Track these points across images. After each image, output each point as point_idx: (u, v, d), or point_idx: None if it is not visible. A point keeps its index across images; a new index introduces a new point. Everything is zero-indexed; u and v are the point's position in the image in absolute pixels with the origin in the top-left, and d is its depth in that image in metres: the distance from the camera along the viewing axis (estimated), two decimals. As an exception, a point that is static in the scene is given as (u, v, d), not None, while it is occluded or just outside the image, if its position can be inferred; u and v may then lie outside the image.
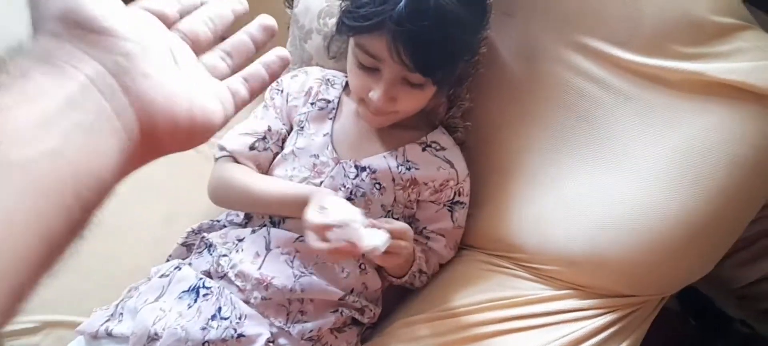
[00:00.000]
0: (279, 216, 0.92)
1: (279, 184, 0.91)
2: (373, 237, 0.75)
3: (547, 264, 0.90)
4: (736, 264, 1.12)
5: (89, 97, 0.32)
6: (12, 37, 0.32)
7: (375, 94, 0.83)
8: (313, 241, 0.76)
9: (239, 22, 0.47)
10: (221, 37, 0.45)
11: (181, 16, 0.43)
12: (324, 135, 0.93)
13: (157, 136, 0.36)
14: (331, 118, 0.95)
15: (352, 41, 0.86)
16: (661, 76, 0.81)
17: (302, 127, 0.95)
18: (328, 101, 0.96)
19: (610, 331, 0.87)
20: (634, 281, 0.86)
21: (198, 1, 0.44)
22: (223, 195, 0.95)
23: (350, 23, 0.82)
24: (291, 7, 1.09)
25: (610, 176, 0.86)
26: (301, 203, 0.84)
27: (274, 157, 0.96)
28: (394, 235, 0.79)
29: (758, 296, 1.12)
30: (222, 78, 0.43)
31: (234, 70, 0.44)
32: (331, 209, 0.76)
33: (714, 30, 0.79)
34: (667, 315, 1.01)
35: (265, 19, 0.46)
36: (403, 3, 0.76)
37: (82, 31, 0.33)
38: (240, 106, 0.43)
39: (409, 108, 0.88)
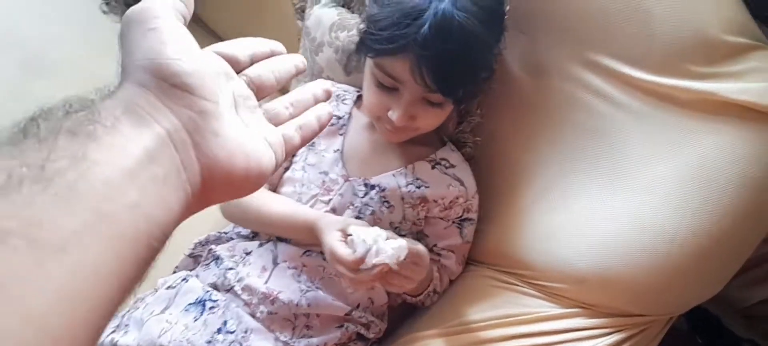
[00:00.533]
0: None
1: (286, 208, 0.90)
2: (394, 248, 0.75)
3: (555, 282, 0.89)
4: (745, 284, 1.11)
5: (165, 150, 0.34)
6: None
7: (394, 114, 0.83)
8: (348, 275, 0.76)
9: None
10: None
11: (251, 62, 0.46)
12: (334, 151, 0.93)
13: (213, 190, 0.38)
14: (341, 134, 0.95)
15: (370, 60, 0.85)
16: (672, 95, 0.81)
17: (313, 144, 0.95)
18: (339, 117, 0.96)
19: (617, 351, 0.87)
20: (643, 301, 0.86)
21: (268, 51, 0.48)
22: (233, 213, 0.95)
23: (373, 46, 0.81)
24: (302, 19, 1.09)
25: (619, 195, 0.85)
26: (308, 229, 0.85)
27: (284, 172, 0.96)
28: (410, 257, 0.78)
29: (765, 316, 1.11)
30: (280, 124, 0.47)
31: (291, 118, 0.48)
32: (355, 238, 0.76)
33: (727, 50, 0.78)
34: (675, 334, 1.00)
35: (327, 86, 0.52)
36: (427, 26, 0.75)
37: (166, 84, 0.36)
38: (290, 152, 0.46)
39: (427, 125, 0.88)
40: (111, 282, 0.29)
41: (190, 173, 0.36)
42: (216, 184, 0.38)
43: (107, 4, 1.30)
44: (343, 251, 0.76)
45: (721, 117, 0.79)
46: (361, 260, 0.74)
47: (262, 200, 0.91)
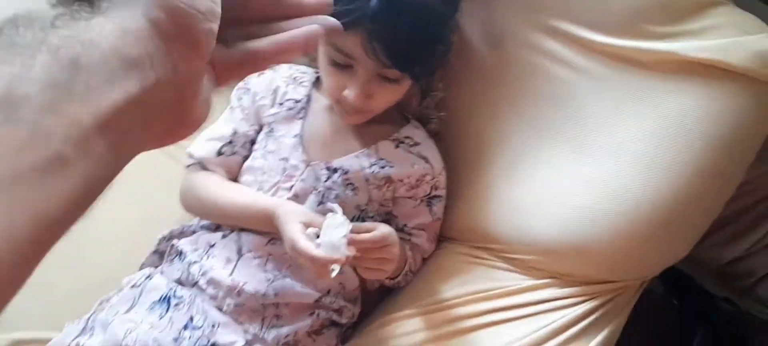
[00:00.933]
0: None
1: (244, 196, 0.88)
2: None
3: (525, 254, 0.89)
4: (717, 242, 1.11)
5: (145, 101, 0.30)
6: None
7: (350, 93, 0.80)
8: (311, 267, 0.76)
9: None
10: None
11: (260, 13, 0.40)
12: (294, 136, 0.90)
13: (165, 138, 0.36)
14: (300, 118, 0.92)
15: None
16: (633, 57, 0.80)
17: (272, 130, 0.92)
18: (297, 100, 0.93)
19: (591, 318, 0.86)
20: (613, 267, 0.85)
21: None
22: (192, 205, 0.93)
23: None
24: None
25: (584, 161, 0.84)
26: (266, 218, 0.83)
27: (244, 160, 0.93)
28: (375, 243, 0.78)
29: (739, 274, 1.12)
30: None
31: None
32: (322, 236, 0.75)
33: (686, 7, 0.77)
34: (650, 298, 1.00)
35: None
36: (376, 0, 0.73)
37: (179, 34, 0.32)
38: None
39: (385, 103, 0.86)
40: (48, 226, 0.26)
41: (156, 127, 0.33)
42: (173, 133, 0.36)
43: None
44: (305, 244, 0.75)
45: (684, 76, 0.78)
46: (325, 258, 0.73)
47: (220, 191, 0.89)
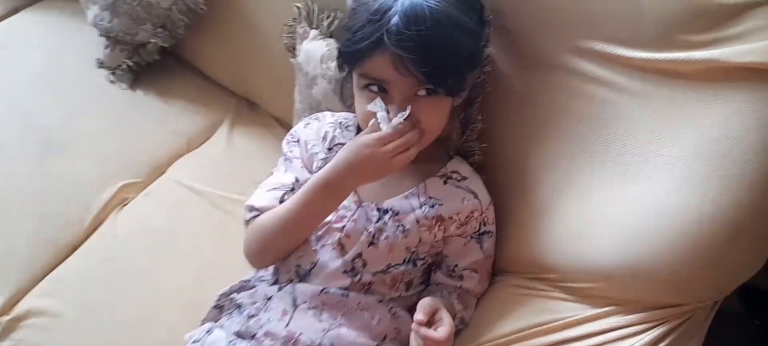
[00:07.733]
0: (309, 265, 0.90)
1: (295, 196, 0.89)
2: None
3: (583, 282, 0.86)
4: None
5: None
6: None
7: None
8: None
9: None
10: None
11: None
12: None
13: None
14: None
15: (356, 76, 0.84)
16: (673, 69, 0.77)
17: None
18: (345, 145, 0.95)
19: None
20: (679, 290, 0.81)
21: None
22: (262, 246, 0.92)
23: (350, 50, 0.81)
24: (294, 56, 1.09)
25: (636, 181, 0.81)
26: (323, 182, 0.85)
27: None
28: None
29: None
30: None
31: None
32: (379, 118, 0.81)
33: (722, 13, 0.74)
34: (729, 317, 0.94)
35: None
36: (397, 17, 0.75)
37: None
38: None
39: (430, 122, 0.84)
40: None
41: None
42: None
43: (113, 73, 1.34)
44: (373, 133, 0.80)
45: (730, 83, 0.74)
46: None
47: (280, 207, 0.90)
